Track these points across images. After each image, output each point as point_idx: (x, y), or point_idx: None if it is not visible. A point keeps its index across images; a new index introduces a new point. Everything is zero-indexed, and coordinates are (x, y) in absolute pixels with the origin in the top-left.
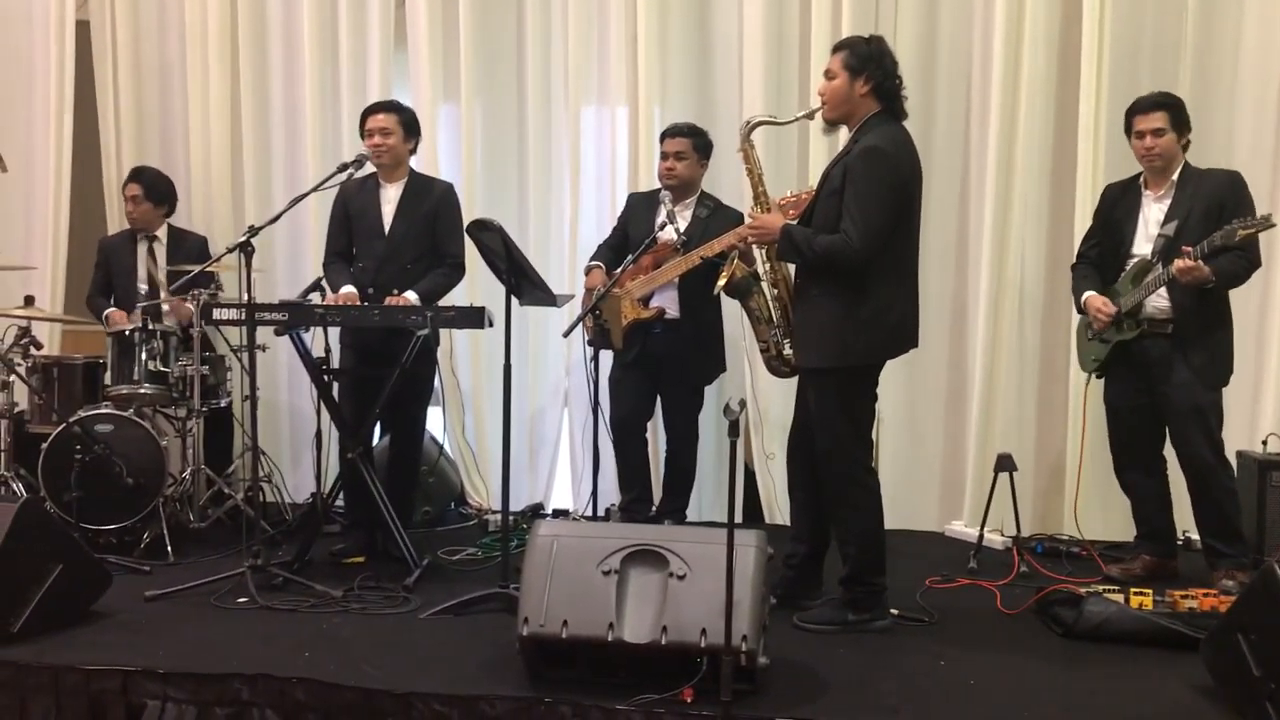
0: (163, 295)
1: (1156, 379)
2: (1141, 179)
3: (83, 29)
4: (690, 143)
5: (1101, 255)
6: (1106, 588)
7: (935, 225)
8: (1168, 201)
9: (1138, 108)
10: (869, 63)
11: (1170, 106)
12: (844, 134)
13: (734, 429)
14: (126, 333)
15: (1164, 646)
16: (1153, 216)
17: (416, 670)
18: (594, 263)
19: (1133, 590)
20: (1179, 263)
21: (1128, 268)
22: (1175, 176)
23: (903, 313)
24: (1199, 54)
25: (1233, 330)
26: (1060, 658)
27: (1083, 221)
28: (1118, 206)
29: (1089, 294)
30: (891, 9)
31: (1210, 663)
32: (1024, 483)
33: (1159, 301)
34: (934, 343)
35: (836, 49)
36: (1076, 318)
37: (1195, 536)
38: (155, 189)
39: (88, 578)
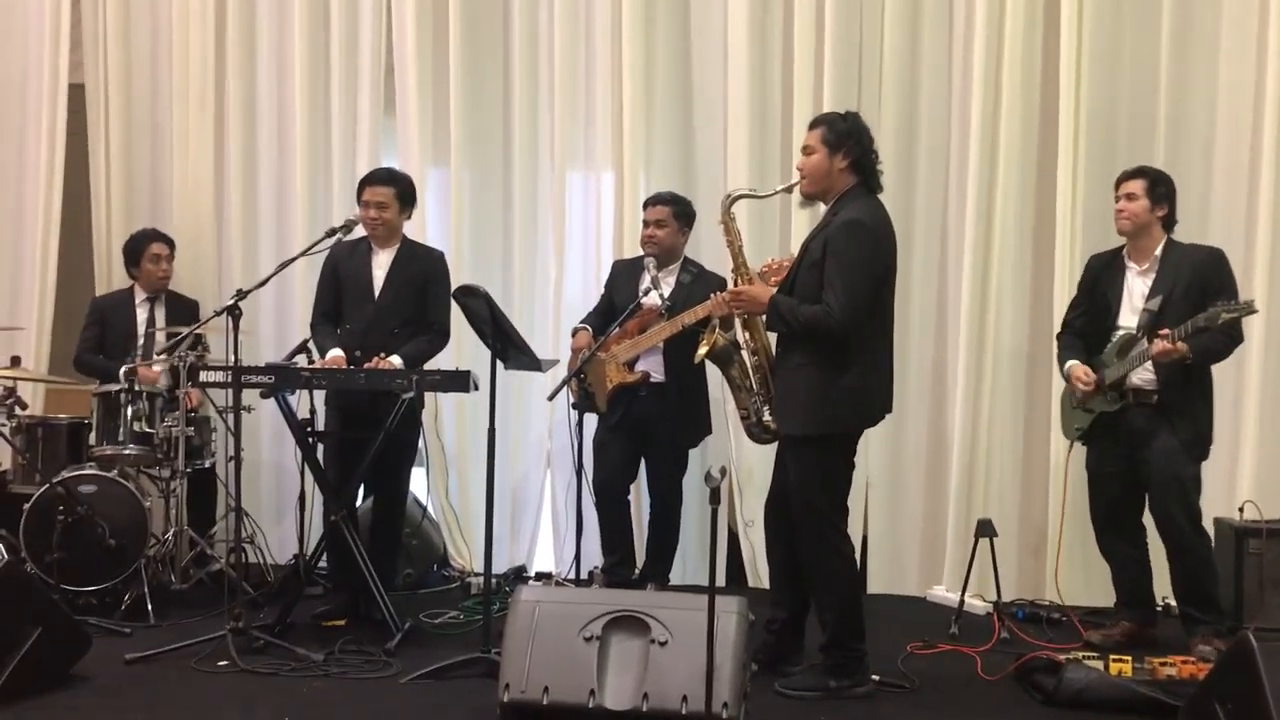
0: (139, 358)
1: (1138, 447)
2: (1125, 251)
3: (78, 92)
4: (670, 211)
5: (1086, 324)
6: (1086, 654)
7: (915, 292)
8: (1152, 276)
9: (1121, 176)
10: (847, 138)
11: (1149, 176)
12: (822, 206)
13: (715, 496)
14: (113, 393)
15: (1143, 714)
16: (1137, 289)
17: None
18: (581, 325)
19: (1112, 657)
20: (1158, 344)
21: (1113, 339)
22: (1159, 251)
23: (880, 381)
24: (1173, 128)
25: (1213, 405)
26: None
27: (1062, 290)
28: (1101, 278)
29: (1072, 363)
30: (875, 82)
31: None
32: (1005, 548)
33: (1144, 374)
34: (914, 408)
35: (814, 124)
36: (1058, 384)
37: (1175, 603)
38: (174, 249)
39: (68, 640)
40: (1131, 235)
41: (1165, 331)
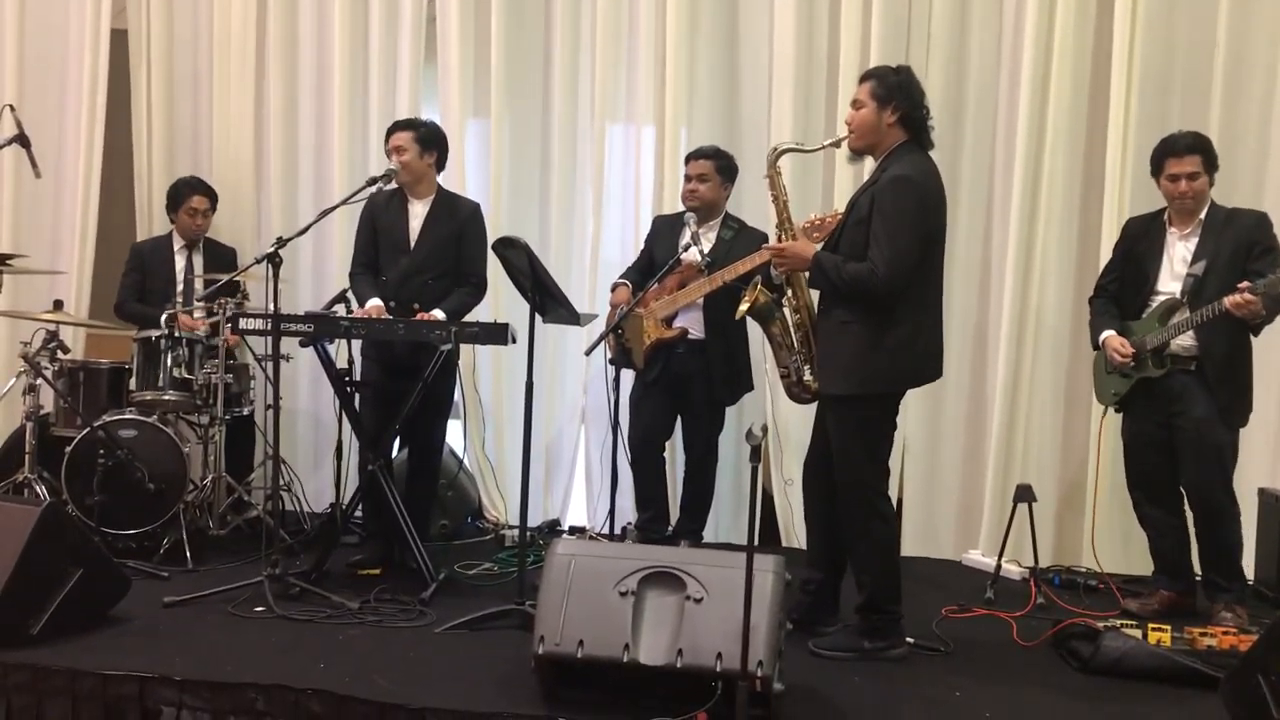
0: (179, 305)
1: (1176, 413)
2: (1166, 215)
3: (120, 37)
4: (713, 165)
5: (1121, 289)
6: (1124, 622)
7: (959, 253)
8: (1195, 240)
9: (1172, 149)
10: (897, 92)
11: (1205, 149)
12: (869, 163)
13: (755, 454)
14: (153, 339)
15: (1182, 684)
16: (1179, 255)
17: (431, 685)
18: (621, 280)
19: (1151, 626)
20: (1236, 296)
21: (1152, 305)
22: (1203, 215)
23: (928, 342)
24: (1229, 95)
25: (1252, 373)
26: (1077, 692)
27: (1108, 254)
28: (1141, 242)
29: (1108, 333)
30: (923, 37)
31: (1229, 703)
32: (1043, 513)
33: (1185, 340)
34: (955, 371)
35: (864, 78)
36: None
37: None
38: (216, 202)
39: (107, 582)
40: (1193, 211)
41: (1244, 285)
